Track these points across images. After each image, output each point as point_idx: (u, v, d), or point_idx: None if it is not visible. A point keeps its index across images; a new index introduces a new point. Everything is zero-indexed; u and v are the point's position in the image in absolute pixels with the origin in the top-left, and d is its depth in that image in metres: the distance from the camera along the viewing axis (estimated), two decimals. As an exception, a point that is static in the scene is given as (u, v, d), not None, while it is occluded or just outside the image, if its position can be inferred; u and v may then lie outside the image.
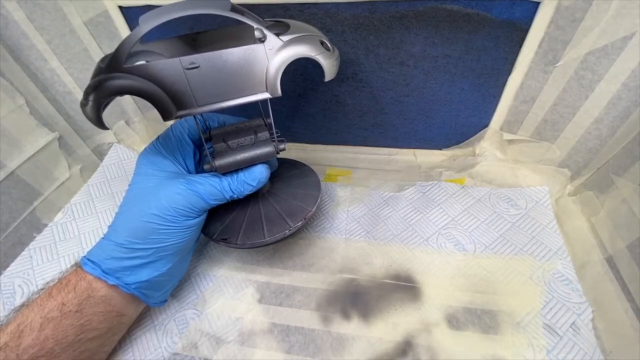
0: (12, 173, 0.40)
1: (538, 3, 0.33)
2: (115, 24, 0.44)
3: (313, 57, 0.28)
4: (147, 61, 0.28)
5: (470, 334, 0.32)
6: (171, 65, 0.26)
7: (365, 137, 0.50)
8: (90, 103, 0.25)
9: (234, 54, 0.27)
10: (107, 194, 0.47)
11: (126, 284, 0.30)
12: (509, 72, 0.39)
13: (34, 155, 0.42)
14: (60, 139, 0.46)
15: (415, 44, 0.38)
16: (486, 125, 0.45)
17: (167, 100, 0.27)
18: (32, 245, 0.42)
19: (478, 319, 0.33)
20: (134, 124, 0.53)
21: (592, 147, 0.38)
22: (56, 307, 0.28)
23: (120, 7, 0.42)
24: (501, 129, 0.45)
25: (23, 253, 0.41)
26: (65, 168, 0.47)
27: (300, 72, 0.44)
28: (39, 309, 0.27)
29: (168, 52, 0.31)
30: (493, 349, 0.31)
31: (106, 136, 0.51)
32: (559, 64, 0.36)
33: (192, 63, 0.26)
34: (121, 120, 0.52)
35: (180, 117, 0.28)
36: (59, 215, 0.45)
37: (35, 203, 0.43)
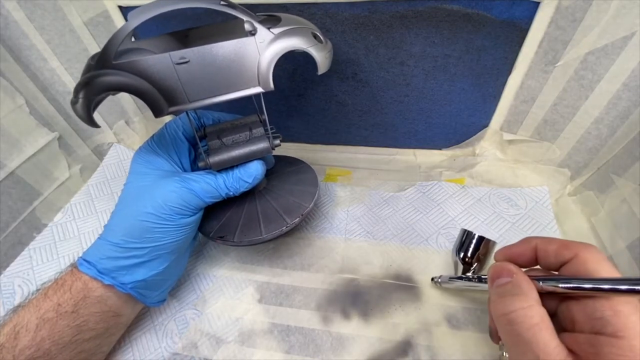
0: (12, 173, 0.40)
1: (538, 3, 0.33)
2: (115, 24, 0.44)
3: (305, 50, 0.28)
4: (137, 58, 0.28)
5: (470, 333, 0.32)
6: (161, 61, 0.25)
7: (365, 137, 0.50)
8: (80, 100, 0.25)
9: (225, 47, 0.26)
10: (107, 194, 0.47)
11: (122, 283, 0.29)
12: (509, 72, 0.39)
13: (34, 155, 0.42)
14: (60, 139, 0.46)
15: (415, 44, 0.38)
16: (486, 125, 0.45)
17: (158, 96, 0.26)
18: (32, 245, 0.42)
19: (478, 319, 0.33)
20: (134, 124, 0.53)
21: (592, 147, 0.38)
22: (52, 308, 0.27)
23: (120, 7, 0.42)
24: (501, 129, 0.45)
25: (23, 253, 0.41)
26: (65, 168, 0.47)
27: (300, 71, 0.44)
28: (35, 309, 0.27)
29: (159, 49, 0.31)
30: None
31: (106, 136, 0.51)
32: (559, 64, 0.36)
33: (182, 58, 0.26)
34: (121, 120, 0.52)
35: (172, 113, 0.27)
36: (59, 215, 0.45)
37: (35, 203, 0.43)
